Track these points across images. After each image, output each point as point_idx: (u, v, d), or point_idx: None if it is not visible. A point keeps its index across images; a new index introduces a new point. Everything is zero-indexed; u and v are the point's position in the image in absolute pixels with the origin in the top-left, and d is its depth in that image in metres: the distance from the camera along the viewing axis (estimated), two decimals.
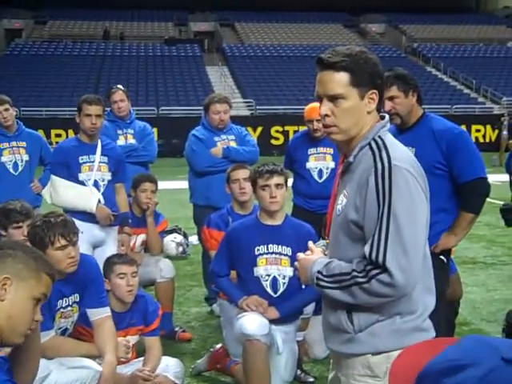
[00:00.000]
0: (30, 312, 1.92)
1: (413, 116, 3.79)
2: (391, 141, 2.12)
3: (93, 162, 4.89)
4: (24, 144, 5.77)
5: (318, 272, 2.09)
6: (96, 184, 4.91)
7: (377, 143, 2.08)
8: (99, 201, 4.86)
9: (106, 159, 4.95)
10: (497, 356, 1.14)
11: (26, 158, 5.74)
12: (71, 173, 4.87)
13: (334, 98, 2.09)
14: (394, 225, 1.95)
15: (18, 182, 5.64)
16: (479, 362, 1.14)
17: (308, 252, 2.26)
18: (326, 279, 2.07)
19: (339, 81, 2.07)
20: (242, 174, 4.65)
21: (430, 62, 35.44)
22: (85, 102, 4.86)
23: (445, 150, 3.66)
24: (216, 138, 5.58)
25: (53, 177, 4.96)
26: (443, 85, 32.47)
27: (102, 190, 4.93)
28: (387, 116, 2.19)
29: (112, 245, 4.93)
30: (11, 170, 5.69)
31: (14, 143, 5.75)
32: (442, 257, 3.68)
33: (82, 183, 4.88)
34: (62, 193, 4.86)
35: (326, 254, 2.26)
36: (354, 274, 2.00)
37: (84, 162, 4.89)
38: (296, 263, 2.27)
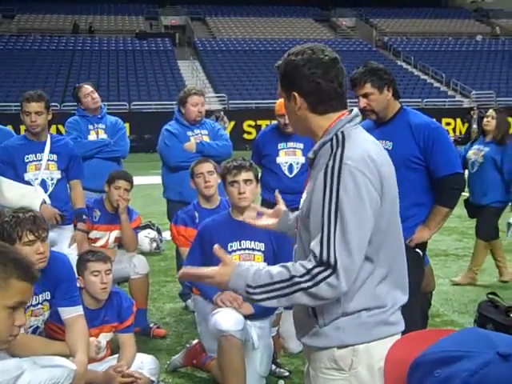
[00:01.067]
0: (5, 321, 1.84)
1: (389, 111, 3.80)
2: (356, 136, 2.08)
3: (40, 160, 4.76)
4: None
5: (247, 286, 1.97)
6: (44, 183, 4.80)
7: (337, 139, 2.05)
8: (44, 201, 4.74)
9: (55, 157, 4.83)
10: (493, 350, 1.12)
11: None
12: (17, 172, 4.75)
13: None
14: (340, 224, 1.92)
15: None
16: (474, 354, 1.13)
17: (213, 268, 2.08)
18: (257, 291, 1.96)
19: (279, 81, 2.21)
20: (206, 167, 4.63)
21: (401, 56, 35.69)
22: (24, 99, 4.72)
23: (422, 145, 3.69)
24: (189, 133, 5.56)
25: None
26: (414, 78, 32.73)
27: (50, 189, 4.82)
28: (355, 110, 2.16)
29: (65, 244, 4.82)
30: None
31: None
32: (417, 250, 3.72)
33: (28, 183, 4.75)
34: (5, 193, 4.70)
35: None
36: (296, 280, 1.92)
37: (30, 161, 4.77)
38: (206, 279, 2.10)
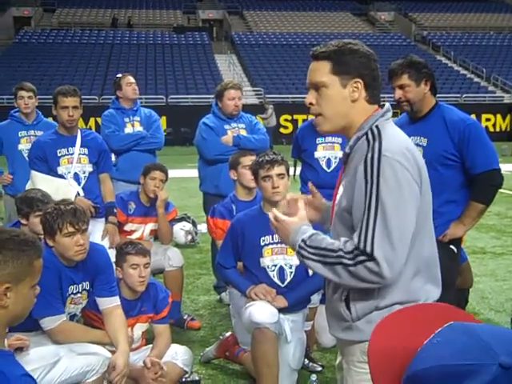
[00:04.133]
0: (31, 299, 1.93)
1: (425, 105, 3.74)
2: (389, 131, 2.10)
3: (72, 154, 4.84)
4: (41, 133, 5.80)
5: (302, 240, 2.07)
6: (76, 176, 4.87)
7: (373, 133, 2.07)
8: (78, 193, 4.81)
9: (86, 151, 4.89)
10: (494, 361, 1.09)
11: None
12: (50, 166, 4.82)
13: (317, 87, 2.14)
14: (381, 215, 1.95)
15: None
16: (476, 368, 1.09)
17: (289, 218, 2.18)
18: (308, 249, 2.05)
19: (321, 69, 2.13)
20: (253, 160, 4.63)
21: (440, 51, 35.21)
22: (60, 93, 4.78)
23: (457, 141, 3.63)
24: (226, 126, 5.58)
25: (32, 171, 4.89)
26: (453, 73, 32.28)
27: (83, 182, 4.89)
28: (387, 104, 2.17)
29: (98, 237, 4.86)
30: (27, 159, 5.73)
31: (31, 132, 5.80)
32: (451, 246, 3.67)
33: (62, 176, 4.83)
34: (40, 187, 4.69)
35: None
36: (341, 253, 1.98)
37: (62, 155, 4.84)
38: (273, 222, 2.19)
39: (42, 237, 3.45)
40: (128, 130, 5.87)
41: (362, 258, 1.96)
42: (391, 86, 3.77)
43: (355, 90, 2.10)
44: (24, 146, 5.74)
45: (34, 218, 3.79)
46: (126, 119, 5.90)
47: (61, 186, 4.76)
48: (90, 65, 30.08)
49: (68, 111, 4.75)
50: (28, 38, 34.54)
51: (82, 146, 4.88)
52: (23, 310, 1.92)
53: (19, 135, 5.77)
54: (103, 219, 5.00)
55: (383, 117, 2.12)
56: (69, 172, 4.85)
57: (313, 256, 2.04)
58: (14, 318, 1.89)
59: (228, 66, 31.74)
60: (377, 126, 2.09)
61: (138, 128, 5.91)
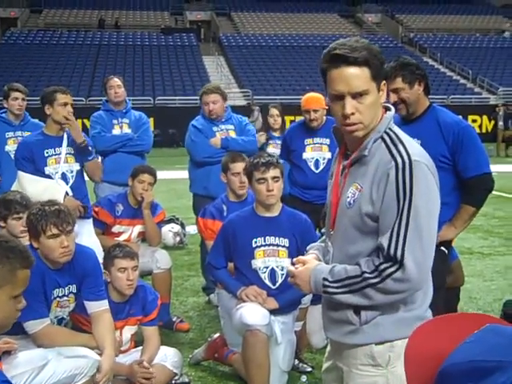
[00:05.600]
0: (12, 310, 1.89)
1: (419, 107, 3.74)
2: (403, 134, 2.12)
3: (59, 154, 4.83)
4: (28, 134, 5.78)
5: (324, 279, 2.07)
6: (64, 176, 4.86)
7: (390, 136, 2.07)
8: (67, 193, 4.80)
9: (72, 150, 4.90)
10: None
11: None
12: (37, 167, 4.81)
13: (358, 95, 2.02)
14: (414, 220, 1.97)
15: None
16: (506, 365, 1.10)
17: (298, 265, 2.19)
18: (333, 285, 2.05)
19: (363, 76, 2.01)
20: (243, 166, 4.62)
21: (427, 52, 35.37)
22: (58, 91, 4.81)
23: (451, 144, 3.63)
24: (215, 128, 5.57)
25: (19, 172, 4.86)
26: (440, 75, 32.43)
27: (70, 181, 4.88)
28: (392, 107, 2.17)
29: (87, 236, 4.82)
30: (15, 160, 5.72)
31: (18, 133, 5.77)
32: (442, 248, 3.68)
33: (49, 177, 4.82)
34: (28, 188, 4.72)
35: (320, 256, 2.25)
36: (366, 275, 1.99)
37: (50, 155, 4.83)
38: (290, 279, 2.21)
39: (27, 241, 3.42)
40: (116, 131, 5.86)
41: (388, 271, 1.96)
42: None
43: (383, 92, 2.09)
44: (11, 147, 5.70)
45: (12, 220, 3.77)
46: (115, 121, 5.89)
47: (49, 187, 4.74)
48: (77, 66, 29.93)
49: (68, 107, 4.77)
50: (15, 38, 34.32)
51: (68, 146, 4.86)
52: (3, 320, 1.87)
53: (6, 136, 5.74)
54: (91, 220, 4.97)
55: (392, 119, 2.13)
56: (56, 172, 4.83)
57: (340, 289, 2.04)
58: None
59: (216, 68, 31.72)
60: (391, 129, 2.10)
61: (127, 130, 5.90)
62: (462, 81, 32.02)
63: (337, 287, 2.04)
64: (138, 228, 5.15)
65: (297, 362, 4.22)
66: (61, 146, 4.84)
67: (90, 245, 4.57)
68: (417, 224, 1.97)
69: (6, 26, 36.98)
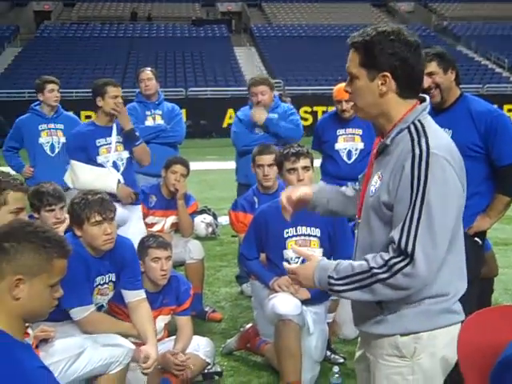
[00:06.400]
0: (48, 299, 1.92)
1: (451, 95, 3.70)
2: (432, 126, 2.09)
3: (109, 143, 4.96)
4: (61, 126, 5.92)
5: (329, 277, 2.05)
6: (115, 165, 4.98)
7: (416, 128, 2.04)
8: (119, 181, 4.93)
9: (121, 138, 5.00)
10: None
11: (63, 140, 5.88)
12: (89, 156, 4.93)
13: (351, 77, 2.11)
14: (426, 214, 1.93)
15: (55, 164, 5.77)
16: None
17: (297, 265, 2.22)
18: (339, 282, 2.03)
19: (352, 60, 2.10)
20: (267, 159, 4.64)
21: (461, 41, 34.83)
22: (109, 84, 4.93)
23: (483, 133, 3.58)
24: None
25: (72, 161, 5.01)
26: (474, 64, 31.92)
27: (121, 169, 5.00)
28: (427, 98, 2.14)
29: (136, 222, 4.99)
30: (48, 152, 5.85)
31: (51, 125, 5.91)
32: (476, 239, 3.65)
33: (101, 166, 4.95)
34: (81, 176, 4.93)
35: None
36: (374, 271, 1.96)
37: (101, 145, 4.95)
38: (291, 275, 2.20)
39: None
40: (148, 122, 5.93)
41: (398, 266, 1.94)
42: None
43: (383, 84, 2.05)
44: (44, 140, 5.83)
45: (45, 212, 3.83)
46: (148, 112, 5.97)
47: (101, 175, 4.90)
48: (110, 58, 30.18)
49: (118, 100, 4.89)
50: (48, 32, 34.73)
51: (117, 135, 4.98)
52: (40, 308, 1.92)
53: (39, 128, 5.87)
54: (140, 206, 5.10)
55: (424, 111, 2.09)
56: (107, 161, 4.95)
57: (347, 286, 2.01)
58: (29, 313, 1.89)
59: (247, 59, 31.67)
60: (419, 121, 2.06)
61: (159, 121, 5.98)
62: (498, 70, 31.46)
63: (343, 284, 2.02)
64: (171, 219, 5.20)
65: (329, 353, 4.22)
66: (111, 136, 4.96)
67: (139, 230, 4.76)
68: (429, 218, 1.93)
69: (40, 20, 37.45)
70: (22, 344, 1.89)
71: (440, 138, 2.05)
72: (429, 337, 2.06)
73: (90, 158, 4.93)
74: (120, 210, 4.88)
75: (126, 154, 5.03)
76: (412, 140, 2.01)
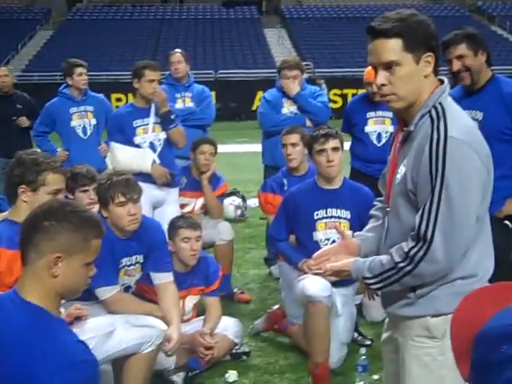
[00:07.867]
0: (84, 277, 1.98)
1: (482, 77, 3.65)
2: (452, 108, 2.07)
3: (147, 124, 5.03)
4: (91, 108, 5.97)
5: (364, 278, 2.11)
6: (152, 145, 5.05)
7: (437, 111, 2.02)
8: (154, 161, 4.99)
9: (158, 119, 5.05)
10: None
11: (93, 121, 5.95)
12: (127, 137, 5.02)
13: (388, 66, 2.03)
14: (446, 198, 1.93)
15: (88, 146, 5.86)
16: None
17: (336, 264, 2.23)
18: (374, 280, 2.09)
19: (392, 47, 2.01)
20: (292, 138, 4.64)
21: (495, 21, 34.17)
22: (147, 67, 4.96)
23: None
24: (284, 100, 5.59)
25: (111, 143, 5.15)
26: (509, 44, 31.30)
27: (158, 149, 5.06)
28: (446, 80, 2.12)
29: (172, 205, 5.05)
30: (81, 135, 5.92)
31: (82, 108, 5.96)
32: (506, 222, 3.62)
33: (138, 146, 5.03)
34: (118, 157, 5.05)
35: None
36: (400, 265, 2.00)
37: (138, 126, 5.03)
38: (327, 274, 2.27)
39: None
40: (178, 105, 5.94)
41: (418, 255, 1.96)
42: (446, 59, 3.69)
43: (427, 65, 2.05)
44: (76, 123, 5.90)
45: (79, 192, 3.90)
46: (177, 94, 5.98)
47: (137, 156, 4.99)
48: (140, 41, 30.26)
49: (154, 84, 4.94)
50: (81, 14, 34.94)
51: (155, 115, 5.04)
52: (76, 285, 1.97)
53: (70, 112, 5.92)
54: (177, 189, 5.16)
55: (444, 93, 2.08)
56: (144, 141, 5.04)
57: (383, 283, 2.07)
58: (66, 290, 1.95)
59: (277, 41, 31.48)
60: (440, 104, 2.04)
61: (189, 104, 5.98)
62: None
63: (378, 282, 2.07)
64: (201, 200, 5.24)
65: (356, 335, 4.24)
66: (148, 117, 5.03)
67: (175, 213, 4.78)
68: (449, 203, 1.93)
69: (72, 2, 37.65)
70: (59, 319, 1.95)
71: (460, 120, 2.03)
72: None
73: (128, 139, 5.01)
74: (156, 192, 4.97)
75: (163, 135, 5.09)
76: (432, 124, 2.00)
